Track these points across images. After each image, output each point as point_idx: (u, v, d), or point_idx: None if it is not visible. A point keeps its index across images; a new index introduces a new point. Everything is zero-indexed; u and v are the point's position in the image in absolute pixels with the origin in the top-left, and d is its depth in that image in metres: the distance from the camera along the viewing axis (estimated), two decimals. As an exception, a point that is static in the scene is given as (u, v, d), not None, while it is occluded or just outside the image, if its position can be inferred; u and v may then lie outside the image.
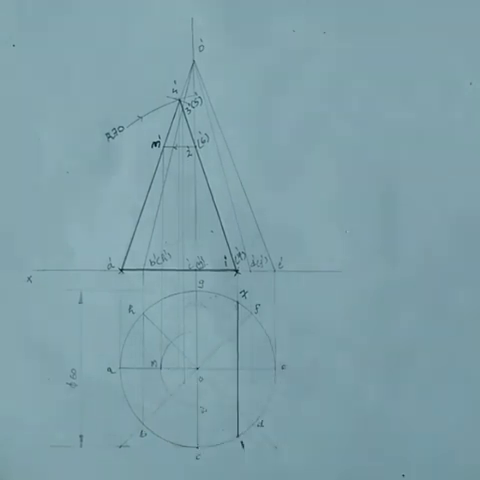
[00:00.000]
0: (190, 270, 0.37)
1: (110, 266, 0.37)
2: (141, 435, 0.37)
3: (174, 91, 0.37)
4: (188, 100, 0.37)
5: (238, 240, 0.37)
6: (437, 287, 0.36)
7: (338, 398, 0.36)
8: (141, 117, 0.37)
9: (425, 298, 0.36)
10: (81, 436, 0.37)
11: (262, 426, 0.37)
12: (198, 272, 0.37)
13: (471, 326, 0.36)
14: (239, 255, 0.37)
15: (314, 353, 0.36)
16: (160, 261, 0.37)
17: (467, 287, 0.36)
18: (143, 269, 0.37)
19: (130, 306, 0.37)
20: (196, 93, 0.37)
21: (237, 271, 0.37)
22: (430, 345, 0.36)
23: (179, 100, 0.37)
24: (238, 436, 0.37)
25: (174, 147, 0.37)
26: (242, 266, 0.37)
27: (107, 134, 0.37)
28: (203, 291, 0.37)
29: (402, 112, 0.36)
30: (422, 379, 0.36)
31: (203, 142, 0.37)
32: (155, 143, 0.37)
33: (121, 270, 0.37)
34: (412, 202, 0.36)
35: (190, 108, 0.37)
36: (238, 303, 0.37)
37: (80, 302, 0.37)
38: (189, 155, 0.37)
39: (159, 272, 0.37)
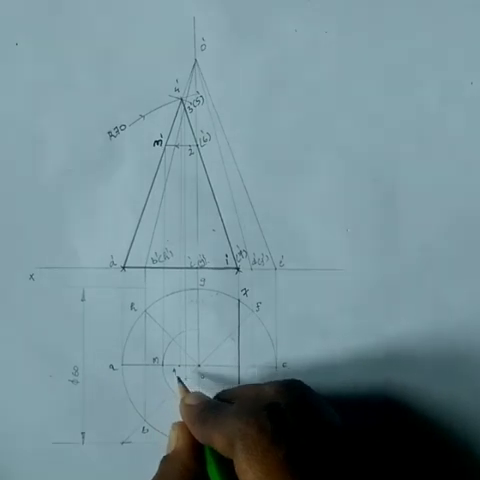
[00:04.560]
0: (192, 268, 0.37)
1: (112, 264, 0.37)
2: (143, 431, 0.37)
3: (176, 90, 0.37)
4: (190, 99, 0.37)
5: (239, 238, 0.37)
6: (438, 285, 0.36)
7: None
8: (143, 116, 0.37)
9: (426, 296, 0.36)
10: (83, 433, 0.37)
11: (263, 423, 0.37)
12: (199, 270, 0.37)
13: (472, 323, 0.36)
14: (240, 253, 0.37)
15: (315, 351, 0.37)
16: (162, 259, 0.37)
17: (468, 285, 0.36)
18: (145, 267, 0.37)
19: (132, 303, 0.37)
20: (198, 92, 0.37)
21: (238, 269, 0.37)
22: (431, 343, 0.36)
23: (181, 99, 0.37)
24: (239, 433, 0.37)
25: (176, 146, 0.37)
26: (243, 264, 0.37)
27: (109, 133, 0.37)
28: (204, 289, 0.37)
29: (402, 112, 0.37)
30: (422, 377, 0.36)
31: (205, 141, 0.37)
32: (157, 142, 0.37)
33: (123, 268, 0.37)
34: (413, 201, 0.37)
35: (192, 107, 0.37)
36: (239, 301, 0.37)
37: (82, 299, 0.37)
38: (191, 154, 0.37)
39: (161, 270, 0.37)
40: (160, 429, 0.37)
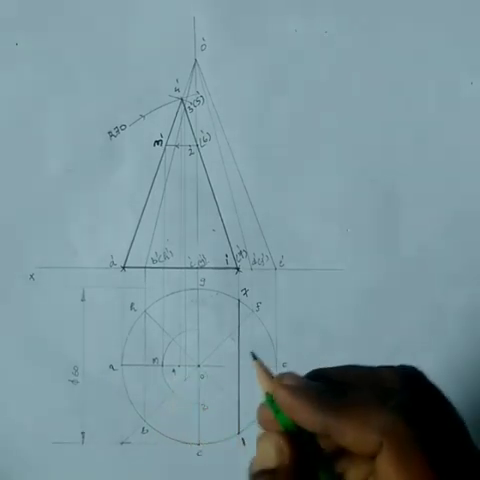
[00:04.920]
0: (192, 268, 0.37)
1: (112, 264, 0.37)
2: (143, 432, 0.37)
3: (176, 90, 0.37)
4: (190, 99, 0.37)
5: (239, 238, 0.37)
6: (437, 285, 0.36)
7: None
8: (143, 116, 0.37)
9: (425, 296, 0.36)
10: (83, 433, 0.37)
11: (263, 423, 0.37)
12: (200, 270, 0.37)
13: (471, 323, 0.36)
14: (240, 253, 0.37)
15: (315, 351, 0.37)
16: (162, 259, 0.37)
17: (467, 286, 0.36)
18: (145, 267, 0.37)
19: (132, 304, 0.37)
20: (198, 92, 0.37)
21: (238, 269, 0.37)
22: (430, 342, 0.36)
23: (181, 99, 0.37)
24: (239, 433, 0.37)
25: (176, 146, 0.37)
26: (243, 264, 0.37)
27: (109, 133, 0.37)
28: (204, 289, 0.37)
29: (402, 112, 0.37)
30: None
31: (205, 141, 0.37)
32: (157, 142, 0.37)
33: (123, 268, 0.37)
34: (412, 201, 0.36)
35: (192, 107, 0.37)
36: (239, 301, 0.37)
37: (82, 299, 0.37)
38: (191, 154, 0.37)
39: (161, 270, 0.37)
40: (160, 429, 0.37)
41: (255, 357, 0.29)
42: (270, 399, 0.27)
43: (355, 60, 0.37)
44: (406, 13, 0.36)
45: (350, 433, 0.25)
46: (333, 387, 0.27)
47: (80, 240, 0.37)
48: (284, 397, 0.27)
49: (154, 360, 0.37)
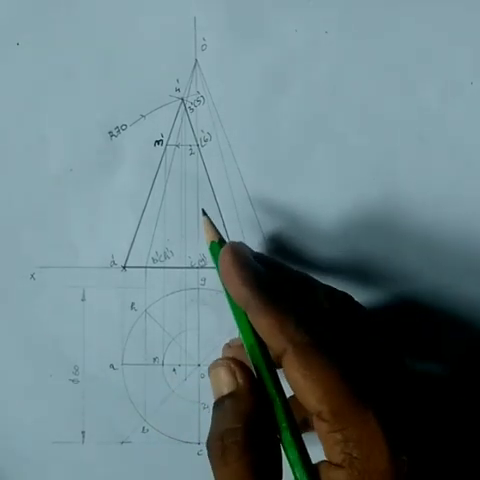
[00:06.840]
0: (192, 268, 0.37)
1: (113, 263, 0.37)
2: (143, 431, 0.37)
3: (177, 90, 0.37)
4: (191, 99, 0.37)
5: (240, 238, 0.37)
6: (439, 286, 0.36)
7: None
8: (144, 116, 0.37)
9: (426, 296, 0.36)
10: (83, 432, 0.37)
11: (263, 423, 0.37)
12: (200, 270, 0.37)
13: (471, 323, 0.36)
14: (240, 253, 0.37)
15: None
16: (162, 259, 0.37)
17: (468, 284, 0.36)
18: (145, 267, 0.37)
19: (132, 303, 0.37)
20: (198, 92, 0.37)
21: (239, 269, 0.37)
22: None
23: (182, 99, 0.37)
24: (239, 432, 0.37)
25: (177, 145, 0.37)
26: (244, 264, 0.37)
27: (110, 132, 0.37)
28: (205, 289, 0.37)
29: (403, 112, 0.37)
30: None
31: (205, 141, 0.37)
32: (158, 141, 0.37)
33: (124, 267, 0.37)
34: (413, 202, 0.37)
35: (193, 107, 0.37)
36: (239, 301, 0.37)
37: (83, 299, 0.37)
38: (191, 154, 0.37)
39: (161, 269, 0.37)
40: (160, 429, 0.37)
41: (205, 213, 0.32)
42: (213, 251, 0.31)
43: (356, 60, 0.37)
44: (407, 13, 0.36)
45: (263, 326, 0.27)
46: (271, 278, 0.29)
47: (81, 240, 0.37)
48: (223, 261, 0.29)
49: (154, 359, 0.37)
